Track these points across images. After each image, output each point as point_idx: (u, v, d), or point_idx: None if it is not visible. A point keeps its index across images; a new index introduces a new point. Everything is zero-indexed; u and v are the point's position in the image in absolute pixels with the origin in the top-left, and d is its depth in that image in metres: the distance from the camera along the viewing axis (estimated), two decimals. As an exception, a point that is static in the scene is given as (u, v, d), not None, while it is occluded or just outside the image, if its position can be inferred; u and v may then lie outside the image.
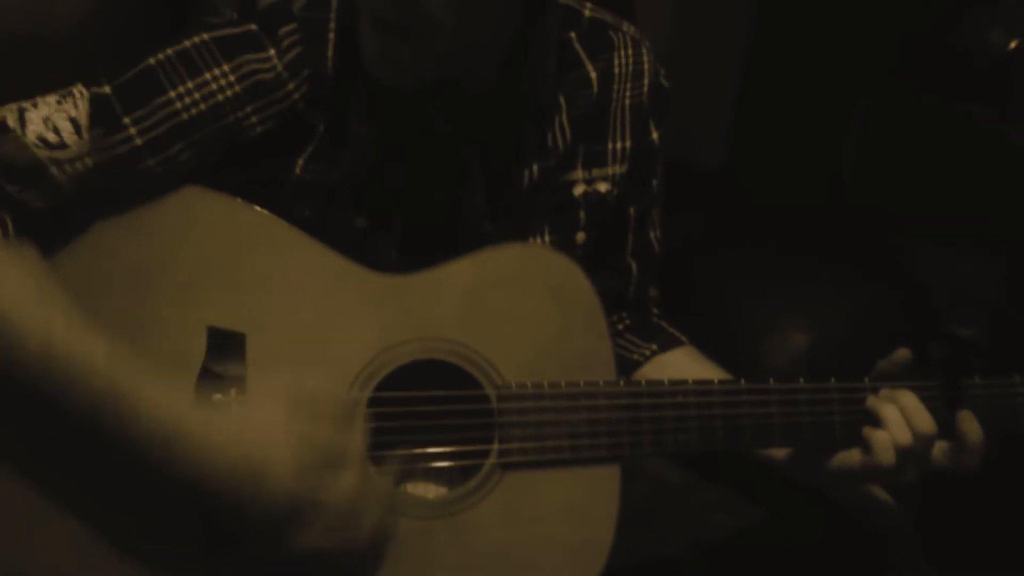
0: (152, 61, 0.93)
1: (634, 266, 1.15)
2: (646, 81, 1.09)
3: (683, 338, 1.18)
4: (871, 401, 1.00)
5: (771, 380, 1.01)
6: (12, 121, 0.90)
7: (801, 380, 1.02)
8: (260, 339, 0.95)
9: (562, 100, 1.05)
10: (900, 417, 0.97)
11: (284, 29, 0.94)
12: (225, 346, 0.93)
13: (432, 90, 0.97)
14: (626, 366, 1.16)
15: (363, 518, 0.84)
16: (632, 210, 1.13)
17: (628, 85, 1.08)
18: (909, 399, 0.98)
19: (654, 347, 1.16)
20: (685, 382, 1.01)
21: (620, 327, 1.19)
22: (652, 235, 1.16)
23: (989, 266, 1.79)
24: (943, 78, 1.55)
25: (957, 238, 1.81)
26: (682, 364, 1.15)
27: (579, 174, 1.07)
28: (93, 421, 0.81)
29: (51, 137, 0.90)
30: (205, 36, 0.93)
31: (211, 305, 0.94)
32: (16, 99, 0.94)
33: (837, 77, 2.02)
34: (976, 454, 0.99)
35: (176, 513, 0.87)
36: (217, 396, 0.92)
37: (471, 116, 1.00)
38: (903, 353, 1.02)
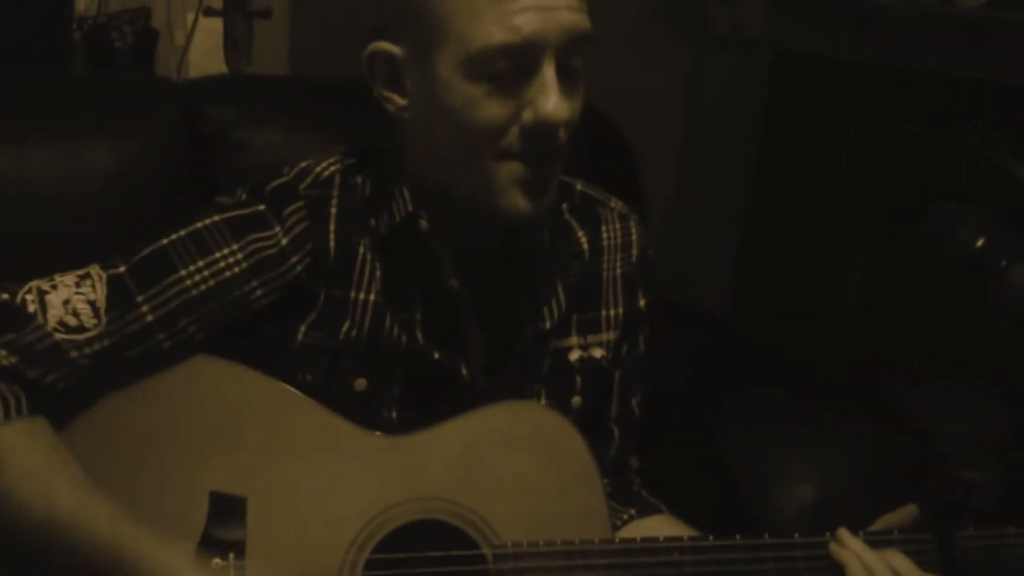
0: (165, 241, 0.98)
1: (616, 432, 1.16)
2: (634, 252, 1.14)
3: (661, 506, 1.18)
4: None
5: (766, 535, 1.02)
6: (33, 307, 0.95)
7: (796, 535, 1.02)
8: (261, 502, 0.97)
9: (556, 266, 1.09)
10: (890, 574, 0.98)
11: (290, 208, 1.00)
12: (226, 510, 0.96)
13: (446, 251, 1.02)
14: None
15: None
16: (618, 375, 1.15)
17: (618, 256, 1.13)
18: (898, 559, 0.99)
19: (632, 512, 1.16)
20: (680, 538, 1.02)
21: None
22: (634, 401, 1.18)
23: (993, 408, 1.79)
24: (919, 272, 1.60)
25: (961, 380, 1.82)
26: (662, 528, 1.15)
27: (574, 340, 1.10)
28: (98, 571, 0.87)
29: (71, 321, 0.94)
30: (216, 218, 1.00)
31: (214, 469, 0.97)
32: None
33: (835, 228, 2.08)
34: None
35: None
36: (216, 561, 0.94)
37: (474, 278, 1.05)
38: (911, 510, 1.03)
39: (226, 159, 1.37)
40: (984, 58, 1.86)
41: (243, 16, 2.07)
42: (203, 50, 2.69)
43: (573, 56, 0.94)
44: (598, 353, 1.12)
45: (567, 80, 0.93)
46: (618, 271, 1.13)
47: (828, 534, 1.02)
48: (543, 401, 1.09)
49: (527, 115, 0.93)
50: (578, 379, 1.11)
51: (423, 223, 1.01)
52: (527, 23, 0.90)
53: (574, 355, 1.10)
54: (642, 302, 1.15)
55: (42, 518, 0.89)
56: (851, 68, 2.07)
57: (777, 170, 2.18)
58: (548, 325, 1.08)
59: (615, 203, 1.15)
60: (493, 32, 0.90)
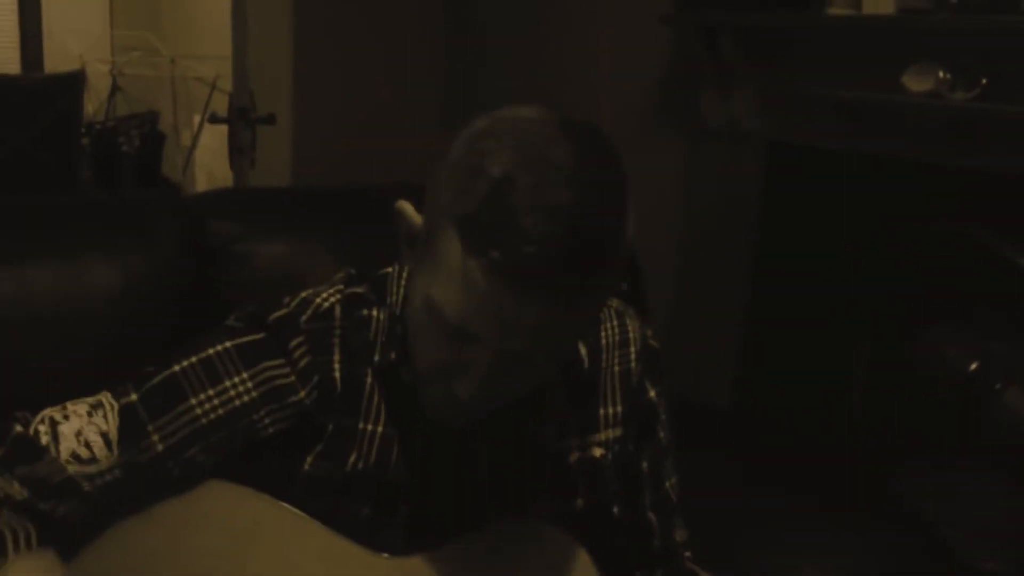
0: (177, 368, 0.98)
1: (655, 520, 1.16)
2: (632, 349, 1.13)
3: None
4: None
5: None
6: (46, 438, 0.95)
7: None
8: (268, 630, 0.96)
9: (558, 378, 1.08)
10: None
11: (294, 342, 1.00)
12: None
13: None
14: None
15: None
16: (645, 465, 1.15)
17: (616, 353, 1.12)
18: None
19: None
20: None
21: None
22: (667, 485, 1.17)
23: (1006, 496, 1.77)
24: (911, 394, 1.60)
25: (971, 470, 1.81)
26: None
27: (573, 442, 1.10)
28: None
29: (83, 452, 0.95)
30: (228, 344, 1.00)
31: (222, 597, 0.97)
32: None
33: (838, 318, 2.08)
34: None
35: None
36: None
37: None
38: None
39: (231, 273, 1.38)
40: (974, 148, 1.89)
41: (247, 123, 2.11)
42: (210, 151, 2.74)
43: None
44: (597, 452, 1.11)
45: (516, 364, 0.90)
46: (616, 368, 1.12)
47: None
48: (547, 506, 1.08)
49: (453, 380, 0.93)
50: (579, 481, 1.10)
51: (403, 373, 1.00)
52: (482, 324, 0.87)
53: (573, 456, 1.10)
54: (652, 393, 1.15)
55: None
56: (844, 159, 2.10)
57: (776, 261, 2.20)
58: (549, 431, 1.08)
59: (612, 300, 1.15)
60: (449, 302, 0.88)
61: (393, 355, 1.01)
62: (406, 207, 0.96)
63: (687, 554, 1.20)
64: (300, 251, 1.42)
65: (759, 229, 2.23)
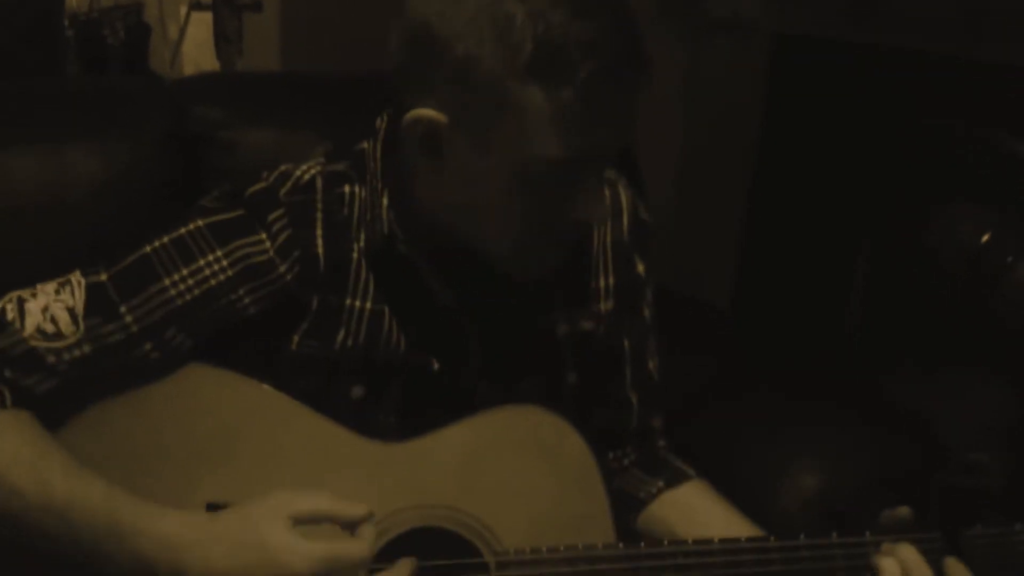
0: (148, 249, 0.96)
1: (634, 399, 1.15)
2: (625, 218, 1.12)
3: (691, 471, 1.17)
4: (873, 556, 0.99)
5: (772, 538, 1.01)
6: (12, 314, 0.94)
7: (802, 536, 1.01)
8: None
9: None
10: (899, 572, 0.96)
11: (273, 215, 0.97)
12: None
13: (432, 270, 1.01)
14: (634, 504, 1.14)
15: None
16: (627, 343, 1.14)
17: (608, 224, 1.11)
18: (909, 553, 0.97)
19: (661, 483, 1.15)
20: (685, 542, 1.00)
21: (626, 462, 1.18)
22: (650, 365, 1.17)
23: (1001, 395, 1.78)
24: (917, 277, 1.59)
25: (967, 368, 1.81)
26: (692, 501, 1.14)
27: (561, 314, 1.08)
28: (96, 553, 0.88)
29: (48, 328, 0.93)
30: (200, 223, 0.97)
31: (209, 481, 0.96)
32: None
33: (840, 216, 2.06)
34: None
35: None
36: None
37: (465, 284, 1.03)
38: (904, 512, 1.02)
39: (214, 160, 1.35)
40: (984, 39, 1.83)
41: (232, 10, 2.05)
42: (197, 43, 2.66)
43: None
44: (587, 325, 1.09)
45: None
46: (608, 239, 1.11)
47: (868, 533, 1.00)
48: (538, 382, 1.07)
49: (568, 212, 0.93)
50: (569, 355, 1.09)
51: (401, 247, 0.99)
52: (584, 142, 0.89)
53: (561, 330, 1.08)
54: (640, 268, 1.13)
55: (37, 502, 0.88)
56: (850, 50, 2.05)
57: (779, 158, 2.16)
58: (537, 305, 1.07)
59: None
60: (550, 145, 0.88)
61: (386, 229, 0.99)
62: (423, 113, 0.91)
63: (661, 443, 1.19)
64: (289, 139, 1.38)
65: (761, 127, 2.18)
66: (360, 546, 0.90)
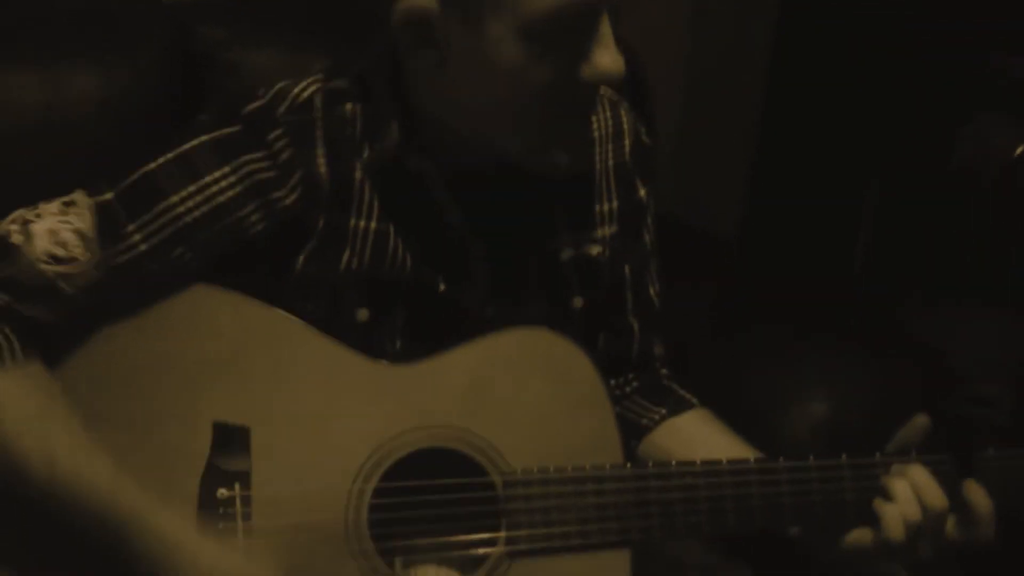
0: (153, 166, 0.94)
1: (635, 325, 1.14)
2: (627, 141, 1.10)
3: (693, 400, 1.16)
4: (882, 478, 0.98)
5: (780, 459, 1.00)
6: (18, 237, 0.91)
7: (811, 458, 1.00)
8: (264, 432, 0.95)
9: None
10: (910, 493, 0.96)
11: (272, 134, 0.95)
12: (229, 441, 0.94)
13: (441, 187, 0.99)
14: (635, 432, 1.14)
15: None
16: (628, 269, 1.12)
17: (610, 146, 1.09)
18: (919, 474, 0.97)
19: (663, 411, 1.14)
20: (693, 463, 1.00)
21: (628, 389, 1.17)
22: (651, 291, 1.15)
23: (1010, 328, 1.77)
24: (949, 185, 1.56)
25: (976, 302, 1.80)
26: (694, 430, 1.13)
27: (566, 239, 1.07)
28: (97, 533, 0.87)
29: (59, 252, 0.91)
30: (204, 138, 0.95)
31: (216, 401, 0.95)
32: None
33: (852, 145, 2.02)
34: (987, 525, 0.97)
35: None
36: (222, 491, 0.94)
37: (473, 205, 1.01)
38: (922, 421, 1.01)
39: (219, 82, 1.32)
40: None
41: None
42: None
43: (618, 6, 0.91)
44: (593, 250, 1.08)
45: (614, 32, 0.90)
46: (610, 162, 1.09)
47: (877, 454, 1.00)
48: (544, 307, 1.06)
49: (585, 70, 0.90)
50: (575, 279, 1.07)
51: (411, 162, 0.97)
52: None
53: (566, 254, 1.07)
54: (642, 192, 1.11)
55: (43, 471, 0.87)
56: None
57: (791, 82, 2.11)
58: (543, 229, 1.05)
59: (604, 89, 1.08)
60: None
61: (395, 144, 0.96)
62: (411, 2, 0.88)
63: (664, 371, 1.18)
64: (294, 60, 1.35)
65: (773, 50, 2.13)
66: None
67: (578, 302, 1.08)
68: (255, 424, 0.95)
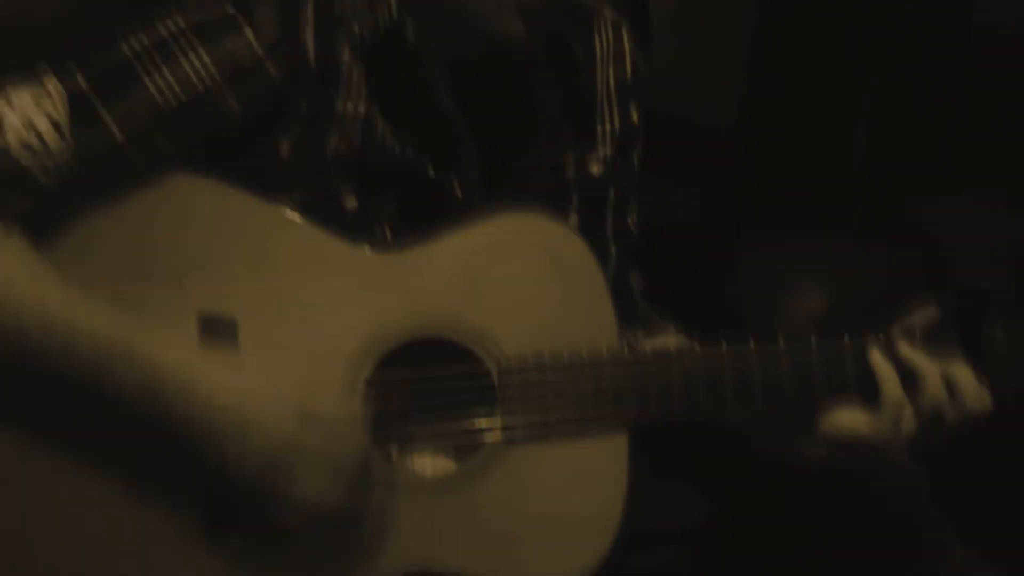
0: (127, 50, 0.90)
1: (613, 250, 1.12)
2: (628, 64, 1.09)
3: (669, 325, 1.15)
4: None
5: (780, 340, 0.99)
6: None
7: (812, 339, 0.99)
8: (252, 323, 0.93)
9: (550, 79, 1.04)
10: (892, 373, 0.95)
11: (260, 11, 0.91)
12: (216, 333, 0.92)
13: (436, 65, 0.96)
14: None
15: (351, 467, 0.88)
16: (612, 192, 1.11)
17: (611, 68, 1.08)
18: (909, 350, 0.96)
19: (640, 333, 1.13)
20: (692, 347, 0.98)
21: None
22: (630, 220, 1.14)
23: (1010, 221, 1.75)
24: (963, 55, 1.51)
25: (976, 195, 1.78)
26: (671, 341, 1.11)
27: (570, 156, 1.06)
28: (98, 374, 0.85)
29: (33, 142, 0.88)
30: (181, 23, 0.91)
31: (201, 292, 0.93)
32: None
33: (851, 37, 1.97)
34: (975, 400, 0.96)
35: (176, 482, 0.89)
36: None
37: (467, 95, 0.99)
38: (930, 312, 1.00)
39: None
40: None
41: None
42: None
43: None
44: (595, 169, 1.07)
45: None
46: (612, 83, 1.08)
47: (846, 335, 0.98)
48: (539, 191, 1.04)
49: None
50: (575, 196, 1.06)
51: (410, 33, 0.94)
52: None
53: (570, 171, 1.06)
54: (635, 116, 1.10)
55: (38, 324, 0.85)
56: None
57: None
58: (544, 141, 1.04)
59: (607, 11, 1.09)
60: None
61: (393, 17, 0.94)
62: None
63: (640, 301, 1.16)
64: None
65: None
66: None
67: (574, 219, 1.06)
68: (241, 315, 0.93)
